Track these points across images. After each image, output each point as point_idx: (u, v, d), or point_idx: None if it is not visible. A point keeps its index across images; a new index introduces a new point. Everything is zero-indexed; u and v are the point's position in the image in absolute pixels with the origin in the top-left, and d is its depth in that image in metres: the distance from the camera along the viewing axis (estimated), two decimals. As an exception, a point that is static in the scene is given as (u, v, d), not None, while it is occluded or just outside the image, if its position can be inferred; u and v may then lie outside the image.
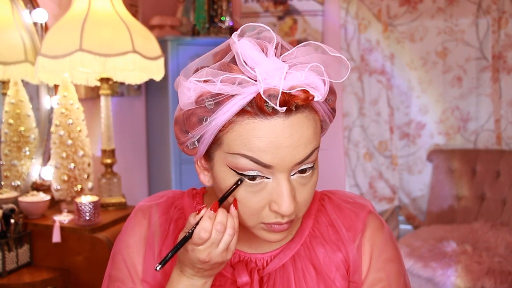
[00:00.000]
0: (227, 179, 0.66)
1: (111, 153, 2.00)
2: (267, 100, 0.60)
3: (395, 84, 3.11)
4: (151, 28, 2.68)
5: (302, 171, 0.66)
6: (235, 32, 0.63)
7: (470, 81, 2.99)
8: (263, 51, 0.62)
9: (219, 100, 0.62)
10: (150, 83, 2.52)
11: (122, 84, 2.44)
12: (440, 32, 2.99)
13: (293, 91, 0.60)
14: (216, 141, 0.66)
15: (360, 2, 3.07)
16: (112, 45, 1.74)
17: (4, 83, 1.91)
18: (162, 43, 2.46)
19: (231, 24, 2.98)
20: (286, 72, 0.61)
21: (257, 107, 0.61)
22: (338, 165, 3.23)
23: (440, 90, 3.04)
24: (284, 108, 0.60)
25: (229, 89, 0.61)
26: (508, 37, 2.87)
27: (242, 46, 0.62)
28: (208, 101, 0.63)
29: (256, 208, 0.67)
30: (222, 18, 2.94)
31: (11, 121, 1.89)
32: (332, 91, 0.68)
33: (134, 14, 2.64)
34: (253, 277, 0.74)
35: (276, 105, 0.60)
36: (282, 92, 0.60)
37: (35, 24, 1.97)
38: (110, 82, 1.96)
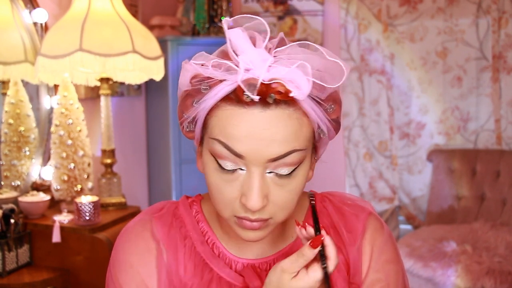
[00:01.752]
0: (208, 165, 0.67)
1: (111, 153, 2.00)
2: (244, 88, 0.60)
3: (395, 84, 3.11)
4: (151, 28, 2.68)
5: (281, 172, 0.65)
6: (226, 18, 0.64)
7: (470, 81, 2.99)
8: (253, 42, 0.62)
9: (209, 83, 0.64)
10: (150, 83, 2.52)
11: (122, 84, 2.44)
12: (440, 32, 2.99)
13: (272, 83, 0.60)
14: (205, 126, 0.67)
15: (360, 2, 3.07)
16: (112, 45, 1.74)
17: (4, 83, 1.91)
18: (162, 43, 2.46)
19: (231, 24, 2.98)
20: (270, 64, 0.61)
21: (236, 95, 0.62)
22: (338, 165, 3.23)
23: (440, 90, 3.04)
24: (258, 97, 0.60)
25: (218, 74, 0.63)
26: (508, 37, 2.87)
27: (232, 34, 0.62)
28: (200, 83, 0.64)
29: (229, 198, 0.66)
30: (222, 18, 2.94)
31: (11, 121, 1.89)
32: (333, 99, 0.66)
33: (134, 14, 2.64)
34: (262, 281, 0.73)
35: (254, 94, 0.60)
36: (261, 83, 0.60)
37: (35, 24, 1.97)
38: (110, 82, 1.96)
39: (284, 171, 0.65)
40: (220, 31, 2.95)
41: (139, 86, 2.70)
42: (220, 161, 0.65)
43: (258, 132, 0.62)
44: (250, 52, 0.61)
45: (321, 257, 0.64)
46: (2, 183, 1.90)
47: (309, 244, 0.63)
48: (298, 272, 0.65)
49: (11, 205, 1.68)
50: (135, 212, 1.97)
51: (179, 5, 3.02)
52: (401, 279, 0.78)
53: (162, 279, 0.74)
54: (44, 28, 1.98)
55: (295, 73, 0.61)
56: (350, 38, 3.11)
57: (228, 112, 0.63)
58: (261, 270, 0.75)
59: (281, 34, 0.66)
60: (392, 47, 3.07)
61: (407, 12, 3.03)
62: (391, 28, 3.06)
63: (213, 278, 0.74)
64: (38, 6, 1.96)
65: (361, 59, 3.12)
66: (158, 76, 1.97)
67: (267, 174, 0.65)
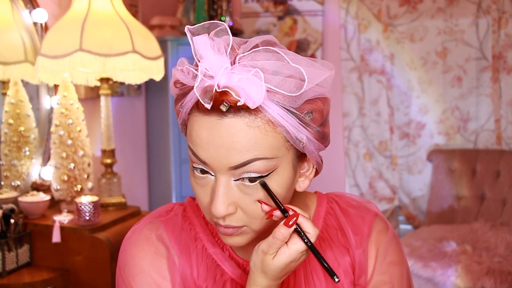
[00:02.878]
0: (189, 168, 0.69)
1: (111, 153, 2.00)
2: (197, 95, 0.60)
3: (395, 84, 3.11)
4: (151, 28, 2.68)
5: (250, 180, 0.64)
6: (187, 26, 0.64)
7: (470, 81, 2.99)
8: (214, 49, 0.62)
9: (186, 89, 0.65)
10: (150, 83, 2.52)
11: (122, 84, 2.44)
12: (440, 32, 2.99)
13: (225, 90, 0.60)
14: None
15: (360, 2, 3.07)
16: (112, 45, 1.74)
17: (4, 83, 1.91)
18: (162, 43, 2.45)
19: (231, 24, 2.98)
20: (227, 71, 0.60)
21: (197, 102, 0.63)
22: (338, 165, 3.23)
23: (440, 90, 3.04)
24: (209, 105, 0.60)
25: (188, 80, 0.64)
26: (508, 37, 2.87)
27: (196, 41, 0.62)
28: (181, 88, 0.66)
29: (203, 202, 0.68)
30: (222, 18, 2.94)
31: (11, 121, 1.89)
32: (313, 108, 0.64)
33: (134, 14, 2.64)
34: None
35: (209, 102, 0.60)
36: (216, 91, 0.60)
37: (35, 24, 1.97)
38: (110, 82, 1.96)
39: (249, 180, 0.64)
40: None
41: (139, 86, 2.70)
42: (194, 165, 0.66)
43: (216, 140, 0.62)
44: (210, 58, 0.61)
45: (299, 233, 0.64)
46: (2, 183, 1.90)
47: (283, 223, 0.63)
48: (278, 250, 0.65)
49: (11, 205, 1.68)
50: (135, 212, 1.97)
51: (179, 5, 3.02)
52: (405, 281, 0.78)
53: (177, 282, 0.73)
54: (44, 28, 1.98)
55: (249, 80, 0.59)
56: (350, 38, 3.11)
57: (194, 118, 0.64)
58: None
59: (253, 39, 0.65)
60: (392, 47, 3.07)
61: (407, 12, 3.03)
62: (391, 28, 3.06)
63: (227, 281, 0.74)
64: (38, 6, 1.96)
65: (361, 59, 3.12)
66: (158, 76, 1.97)
67: (234, 181, 0.64)
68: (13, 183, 1.92)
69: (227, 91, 0.59)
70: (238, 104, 0.59)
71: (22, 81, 1.92)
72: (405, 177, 3.16)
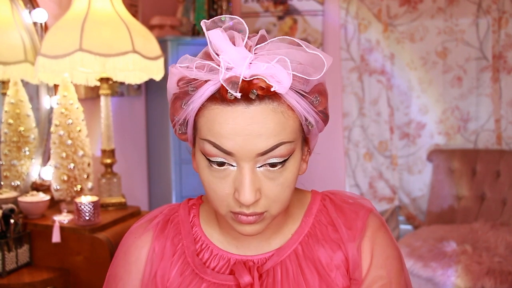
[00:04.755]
0: (201, 164, 0.69)
1: (111, 153, 2.00)
2: (226, 86, 0.62)
3: (395, 84, 3.10)
4: (151, 28, 2.68)
5: (272, 165, 0.66)
6: (203, 20, 0.65)
7: (470, 81, 2.98)
8: (232, 41, 0.64)
9: (195, 84, 0.66)
10: (150, 83, 2.52)
11: (122, 84, 2.44)
12: (440, 32, 2.99)
13: (253, 79, 0.62)
14: (195, 127, 0.69)
15: (360, 2, 3.07)
16: (112, 45, 1.74)
17: (4, 83, 1.90)
18: (162, 43, 2.46)
19: (231, 24, 2.98)
20: (251, 61, 0.63)
21: (220, 94, 0.64)
22: (338, 165, 3.23)
23: (440, 90, 3.04)
24: (240, 94, 0.62)
25: (202, 75, 0.64)
26: (508, 37, 2.86)
27: (211, 35, 0.64)
28: (187, 85, 0.66)
29: (222, 195, 0.67)
30: (222, 18, 2.94)
31: (11, 121, 1.89)
32: (319, 91, 0.68)
33: (134, 14, 2.64)
34: (253, 276, 0.75)
35: (236, 92, 0.62)
36: (243, 80, 0.62)
37: (35, 24, 1.97)
38: (110, 82, 1.96)
39: (274, 164, 0.66)
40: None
41: (139, 86, 2.70)
42: (212, 159, 0.66)
43: (244, 128, 0.63)
44: (230, 51, 0.63)
45: None
46: (2, 183, 1.90)
47: None
48: None
49: (10, 205, 1.67)
50: (135, 212, 1.97)
51: (179, 5, 3.02)
52: (403, 276, 0.78)
53: (146, 274, 0.78)
54: (44, 28, 1.98)
55: (275, 68, 0.62)
56: (350, 38, 3.11)
57: (214, 111, 0.65)
58: (253, 264, 0.76)
59: (262, 31, 0.68)
60: (392, 47, 3.07)
61: (407, 12, 3.03)
62: (391, 28, 3.06)
63: (203, 282, 0.76)
64: (38, 6, 1.96)
65: (361, 59, 3.11)
66: (158, 76, 1.97)
67: (258, 168, 0.66)
68: (13, 183, 1.92)
69: (254, 79, 0.62)
70: (272, 89, 0.62)
71: (22, 81, 1.92)
72: (405, 177, 3.16)
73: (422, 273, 2.29)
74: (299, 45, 0.65)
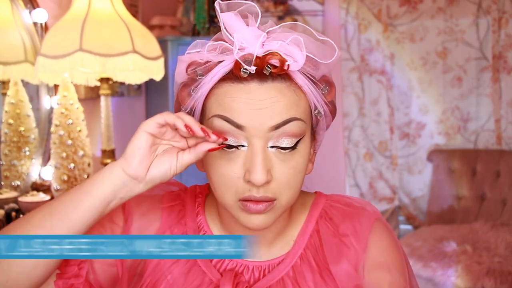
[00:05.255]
0: (208, 153, 0.66)
1: (111, 153, 2.00)
2: (241, 63, 0.62)
3: (395, 84, 3.11)
4: (151, 28, 2.68)
5: (283, 148, 0.65)
6: (218, 1, 0.65)
7: (470, 81, 2.99)
8: (245, 22, 0.65)
9: (205, 68, 0.66)
10: (150, 83, 2.52)
11: (122, 84, 2.44)
12: (440, 32, 2.99)
13: (267, 54, 0.63)
14: (203, 112, 0.68)
15: (360, 2, 3.07)
16: (112, 45, 1.74)
17: (4, 83, 1.91)
18: (162, 43, 2.45)
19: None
20: (264, 40, 0.64)
21: (233, 72, 0.64)
22: (338, 165, 3.23)
23: (440, 90, 3.04)
24: (254, 68, 0.62)
25: (213, 57, 0.65)
26: (508, 37, 2.87)
27: (224, 16, 0.64)
28: (196, 71, 0.66)
29: (231, 178, 0.65)
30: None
31: (11, 121, 1.89)
32: (327, 81, 0.69)
33: (134, 14, 2.64)
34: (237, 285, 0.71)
35: (251, 68, 0.62)
36: (256, 57, 0.62)
37: (35, 24, 1.97)
38: (110, 82, 1.96)
39: (286, 143, 0.65)
40: (220, 31, 2.94)
41: (139, 86, 2.70)
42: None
43: (257, 103, 0.63)
44: (243, 30, 0.64)
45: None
46: (2, 183, 1.90)
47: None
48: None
49: (12, 205, 1.67)
50: (135, 212, 1.97)
51: (179, 5, 3.02)
52: (406, 267, 0.76)
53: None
54: (44, 28, 1.98)
55: (289, 46, 0.63)
56: (350, 38, 3.11)
57: (225, 89, 0.65)
58: (245, 282, 0.72)
59: (272, 19, 0.69)
60: (392, 47, 3.07)
61: (407, 12, 3.02)
62: (391, 28, 3.06)
63: (195, 266, 0.74)
64: (38, 6, 1.96)
65: (361, 59, 3.11)
66: (158, 76, 1.97)
67: (269, 148, 0.65)
68: (13, 183, 1.92)
69: (267, 55, 0.63)
70: (287, 64, 0.63)
71: (22, 81, 1.92)
72: (405, 177, 3.16)
73: (422, 273, 2.29)
74: (308, 31, 0.66)
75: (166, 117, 0.63)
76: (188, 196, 0.80)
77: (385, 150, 3.16)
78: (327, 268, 0.72)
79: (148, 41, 1.89)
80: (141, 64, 1.80)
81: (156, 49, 1.92)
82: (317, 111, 0.68)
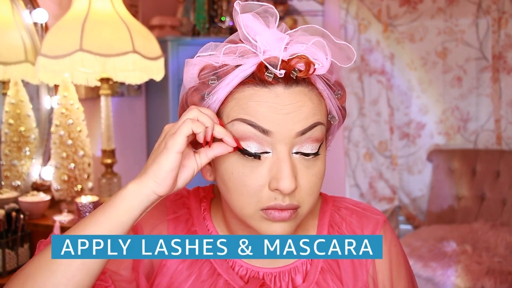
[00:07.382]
0: (229, 158, 0.63)
1: (111, 153, 2.00)
2: (269, 66, 0.60)
3: (395, 84, 3.11)
4: (151, 28, 2.68)
5: (306, 154, 0.63)
6: (238, 1, 0.62)
7: (470, 81, 2.99)
8: (265, 24, 0.62)
9: (221, 72, 0.62)
10: (150, 83, 2.52)
11: (122, 84, 2.44)
12: (440, 32, 2.99)
13: (292, 58, 0.61)
14: (219, 117, 0.64)
15: (360, 2, 3.07)
16: (112, 45, 1.74)
17: (4, 83, 1.91)
18: (162, 43, 2.46)
19: (231, 24, 2.98)
20: (287, 43, 0.61)
21: (258, 76, 0.61)
22: (338, 165, 3.23)
23: (440, 90, 3.04)
24: (283, 72, 0.60)
25: (231, 60, 0.62)
26: (508, 37, 2.87)
27: (244, 18, 0.61)
28: (210, 75, 0.63)
29: (254, 187, 0.62)
30: (222, 18, 2.94)
31: (11, 121, 1.89)
32: (340, 85, 0.67)
33: (134, 14, 2.64)
34: None
35: (278, 72, 0.60)
36: (282, 61, 0.60)
37: (35, 24, 1.97)
38: (110, 82, 1.96)
39: (310, 149, 0.63)
40: (220, 31, 2.95)
41: (139, 86, 2.70)
42: (244, 144, 0.61)
43: (283, 108, 0.61)
44: (265, 33, 0.61)
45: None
46: (3, 183, 1.91)
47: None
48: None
49: (13, 205, 1.67)
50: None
51: (179, 5, 3.02)
52: (405, 261, 0.78)
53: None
54: (44, 28, 1.98)
55: (313, 48, 0.61)
56: (350, 38, 3.11)
57: (247, 93, 0.62)
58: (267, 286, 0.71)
59: (284, 24, 0.66)
60: (392, 47, 3.07)
61: (407, 12, 3.03)
62: (391, 28, 3.06)
63: (211, 271, 0.72)
64: (38, 6, 1.96)
65: (361, 59, 3.12)
66: (158, 76, 1.97)
67: (294, 155, 0.63)
68: (13, 183, 1.92)
69: (293, 59, 0.60)
70: (315, 67, 0.61)
71: (23, 81, 1.92)
72: (405, 177, 3.16)
73: (422, 273, 2.29)
74: (325, 35, 0.64)
75: (193, 126, 0.59)
76: (192, 201, 0.77)
77: (385, 150, 3.16)
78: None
79: (148, 41, 1.89)
80: (141, 64, 1.81)
81: (156, 49, 1.92)
82: (331, 115, 0.67)
